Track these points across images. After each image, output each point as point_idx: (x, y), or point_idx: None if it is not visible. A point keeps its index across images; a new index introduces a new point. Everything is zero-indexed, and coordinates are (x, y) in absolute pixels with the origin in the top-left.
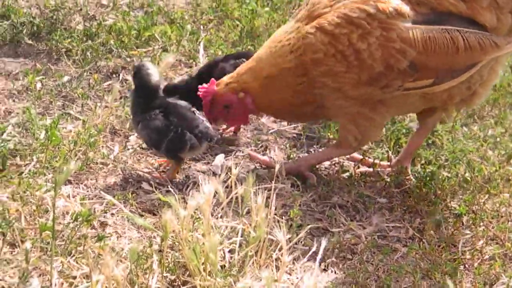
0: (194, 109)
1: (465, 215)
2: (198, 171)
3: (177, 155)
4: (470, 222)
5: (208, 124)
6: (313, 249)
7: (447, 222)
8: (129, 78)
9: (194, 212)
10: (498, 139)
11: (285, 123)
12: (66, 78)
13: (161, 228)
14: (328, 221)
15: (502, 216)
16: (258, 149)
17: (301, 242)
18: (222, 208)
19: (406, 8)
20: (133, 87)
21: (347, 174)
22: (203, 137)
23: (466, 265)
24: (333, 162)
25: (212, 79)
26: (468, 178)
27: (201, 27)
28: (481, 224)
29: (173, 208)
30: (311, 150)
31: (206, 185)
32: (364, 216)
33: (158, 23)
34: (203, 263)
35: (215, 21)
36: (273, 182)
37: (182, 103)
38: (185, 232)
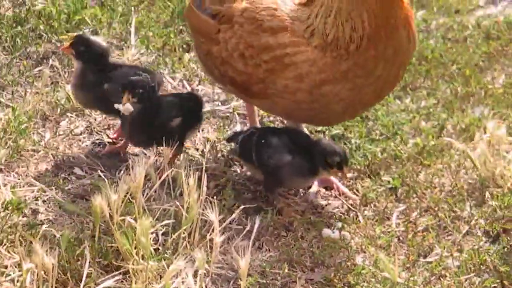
0: None
1: (399, 188)
2: (131, 154)
3: None
4: (404, 195)
5: None
6: (247, 228)
7: (381, 196)
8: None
9: (125, 196)
10: (431, 109)
11: (218, 102)
12: None
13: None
14: (263, 199)
15: (435, 187)
16: None
17: (235, 222)
18: (155, 191)
19: None
20: None
21: None
22: None
23: (400, 238)
24: None
25: None
26: (401, 151)
27: (132, 8)
28: (415, 196)
29: (104, 192)
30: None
31: (137, 168)
32: (300, 192)
33: (88, 6)
34: (135, 247)
35: (146, 2)
36: (204, 162)
37: None
38: (116, 216)
